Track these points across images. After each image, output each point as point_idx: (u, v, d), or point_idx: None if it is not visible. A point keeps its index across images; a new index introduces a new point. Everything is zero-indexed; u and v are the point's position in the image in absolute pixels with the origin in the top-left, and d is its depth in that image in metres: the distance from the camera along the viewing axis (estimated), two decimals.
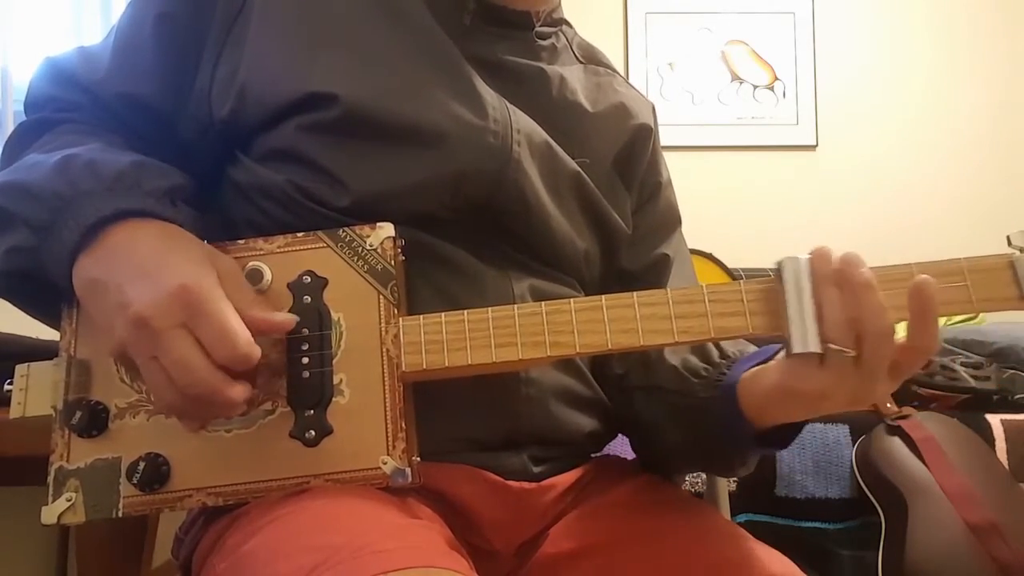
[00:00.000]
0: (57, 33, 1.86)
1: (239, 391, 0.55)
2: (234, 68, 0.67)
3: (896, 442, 1.42)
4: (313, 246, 0.64)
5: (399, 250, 0.64)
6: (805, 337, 0.56)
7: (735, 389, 0.65)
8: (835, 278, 0.57)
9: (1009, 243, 0.60)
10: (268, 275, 0.62)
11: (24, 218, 0.60)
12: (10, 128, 1.67)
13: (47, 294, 0.63)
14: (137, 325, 0.54)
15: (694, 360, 0.72)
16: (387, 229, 0.64)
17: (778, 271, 0.59)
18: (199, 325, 0.54)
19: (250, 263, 0.63)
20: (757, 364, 0.65)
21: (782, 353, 0.62)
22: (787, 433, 0.66)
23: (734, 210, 2.39)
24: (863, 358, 0.56)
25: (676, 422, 0.72)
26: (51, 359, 0.64)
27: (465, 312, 0.61)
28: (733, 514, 1.33)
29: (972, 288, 0.59)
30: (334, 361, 0.61)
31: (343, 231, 0.64)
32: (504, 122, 0.69)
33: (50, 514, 0.60)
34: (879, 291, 0.56)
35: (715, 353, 0.72)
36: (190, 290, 0.54)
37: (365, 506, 0.57)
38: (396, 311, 0.62)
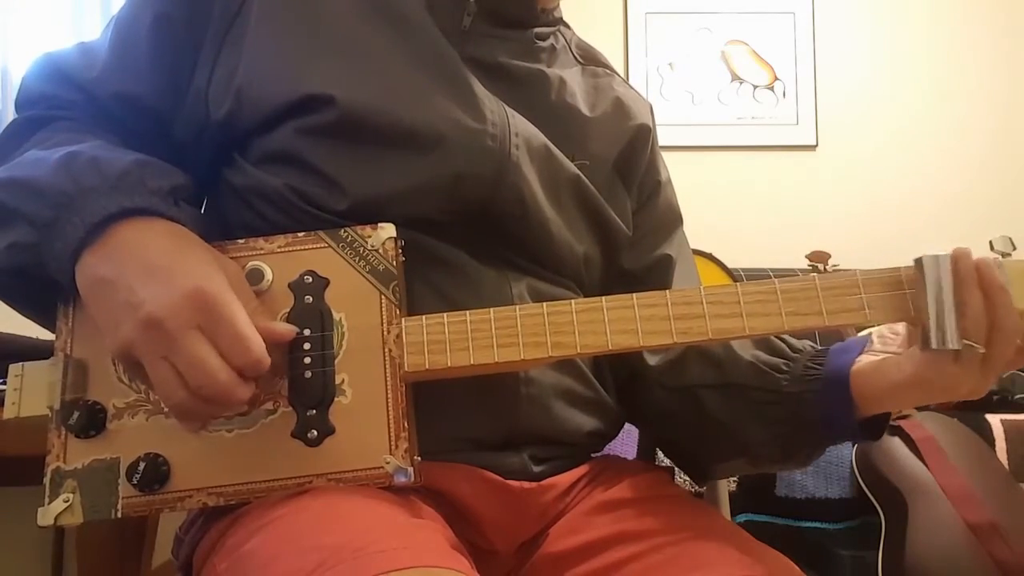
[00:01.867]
0: (56, 32, 1.86)
1: (246, 388, 0.56)
2: (231, 69, 0.67)
3: (896, 442, 1.42)
4: (314, 246, 0.64)
5: (400, 251, 0.64)
6: (946, 334, 0.59)
7: (847, 380, 0.66)
8: (977, 279, 0.60)
9: (992, 248, 0.63)
10: (269, 275, 0.62)
11: (26, 214, 0.60)
12: None
13: (42, 293, 0.63)
14: (149, 325, 0.54)
15: (765, 355, 0.73)
16: (388, 230, 0.64)
17: (919, 268, 0.61)
18: (216, 331, 0.54)
19: (251, 263, 0.62)
20: (855, 355, 0.68)
21: (896, 343, 0.66)
22: (876, 422, 0.69)
23: (734, 210, 2.39)
24: (991, 355, 0.60)
25: (760, 418, 0.72)
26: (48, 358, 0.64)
27: (467, 312, 0.61)
28: (733, 514, 1.33)
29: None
30: (336, 361, 0.61)
31: (344, 231, 0.64)
32: (502, 125, 0.69)
33: (47, 515, 0.59)
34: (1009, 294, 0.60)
35: (784, 347, 0.73)
36: (205, 293, 0.55)
37: (366, 506, 0.57)
38: (398, 311, 0.62)
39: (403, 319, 0.62)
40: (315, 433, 0.60)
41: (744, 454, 0.76)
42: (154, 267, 0.56)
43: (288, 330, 0.60)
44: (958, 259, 0.60)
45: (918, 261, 0.61)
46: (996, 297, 0.59)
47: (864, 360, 0.67)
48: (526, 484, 0.68)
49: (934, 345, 0.59)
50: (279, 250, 0.64)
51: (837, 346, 0.71)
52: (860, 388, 0.66)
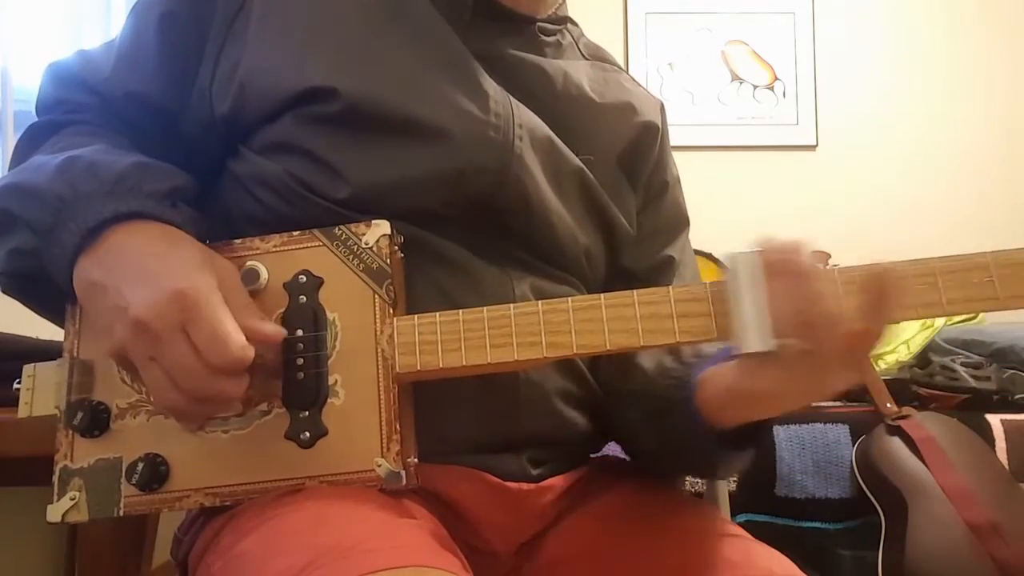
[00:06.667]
0: (57, 34, 1.86)
1: (236, 386, 0.56)
2: (235, 64, 0.68)
3: (896, 442, 1.42)
4: (309, 245, 0.63)
5: (396, 248, 0.63)
6: (760, 335, 0.54)
7: (694, 389, 0.63)
8: (780, 268, 0.54)
9: None
10: (264, 275, 0.62)
11: (26, 220, 0.60)
12: (10, 128, 1.67)
13: (52, 294, 0.64)
14: (136, 328, 0.54)
15: (668, 361, 0.71)
16: (383, 227, 0.63)
17: (724, 267, 0.56)
18: (195, 330, 0.54)
19: (247, 263, 0.62)
20: (721, 361, 0.62)
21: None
22: (756, 434, 0.64)
23: (734, 210, 2.39)
24: (816, 351, 0.53)
25: (650, 426, 0.70)
26: (51, 359, 0.64)
27: (460, 312, 0.60)
28: (733, 514, 1.33)
29: (999, 283, 0.55)
30: (329, 362, 0.61)
31: (339, 229, 0.63)
32: (506, 116, 0.69)
33: (55, 512, 0.61)
34: (822, 278, 0.53)
35: (688, 352, 0.70)
36: (187, 295, 0.54)
37: (358, 506, 0.57)
38: (391, 311, 0.61)
39: (395, 319, 0.61)
40: (308, 435, 0.60)
41: (656, 460, 0.74)
42: (142, 270, 0.57)
43: (276, 331, 0.59)
44: (766, 251, 0.55)
45: (727, 258, 0.55)
46: (800, 283, 0.53)
47: (712, 371, 0.62)
48: (524, 485, 0.68)
49: (746, 349, 0.54)
50: (274, 249, 0.63)
51: (718, 351, 0.64)
52: (701, 402, 0.62)
